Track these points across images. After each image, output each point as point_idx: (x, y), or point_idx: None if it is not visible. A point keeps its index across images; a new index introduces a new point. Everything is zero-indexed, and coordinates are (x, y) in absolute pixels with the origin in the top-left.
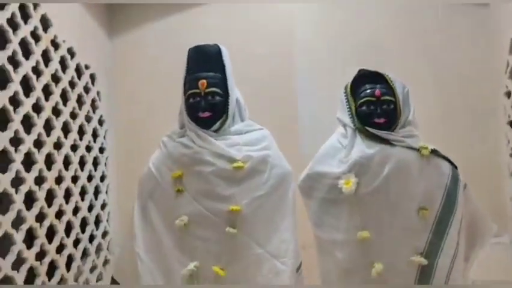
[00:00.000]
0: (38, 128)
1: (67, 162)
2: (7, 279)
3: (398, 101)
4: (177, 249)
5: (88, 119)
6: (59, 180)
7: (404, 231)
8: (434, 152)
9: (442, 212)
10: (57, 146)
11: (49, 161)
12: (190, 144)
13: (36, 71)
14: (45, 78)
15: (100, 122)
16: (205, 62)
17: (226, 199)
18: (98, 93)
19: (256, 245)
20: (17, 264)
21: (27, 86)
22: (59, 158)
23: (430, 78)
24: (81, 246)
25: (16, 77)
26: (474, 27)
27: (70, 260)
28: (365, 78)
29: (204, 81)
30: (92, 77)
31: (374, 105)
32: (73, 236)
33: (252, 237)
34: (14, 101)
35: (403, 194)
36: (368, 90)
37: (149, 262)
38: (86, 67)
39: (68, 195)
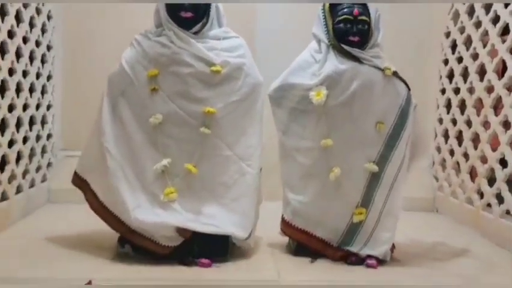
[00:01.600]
0: None
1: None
2: None
3: (372, 22)
4: (150, 146)
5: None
6: (10, 72)
7: (361, 142)
8: (395, 73)
9: (395, 127)
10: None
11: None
12: (168, 43)
13: None
14: None
15: (48, 18)
16: None
17: (201, 101)
18: None
19: (226, 147)
20: None
21: None
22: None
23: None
24: (28, 145)
25: None
26: None
27: (18, 156)
28: None
29: None
30: None
31: (351, 23)
32: (22, 133)
33: (223, 139)
34: None
35: (365, 109)
36: (346, 9)
37: (120, 157)
38: None
39: (18, 89)
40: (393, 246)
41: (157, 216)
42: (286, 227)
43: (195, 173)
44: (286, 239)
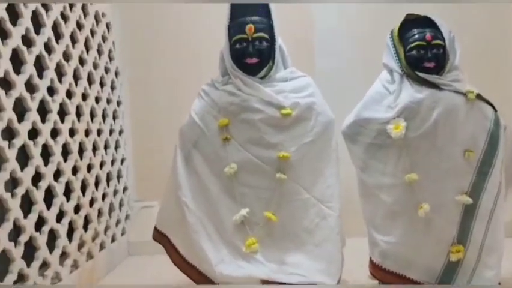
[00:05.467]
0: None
1: (93, 115)
2: (52, 232)
3: (446, 44)
4: (226, 196)
5: (107, 70)
6: (87, 133)
7: (449, 173)
8: (478, 96)
9: (486, 153)
10: (84, 97)
11: (78, 114)
12: (236, 92)
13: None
14: (71, 25)
15: (116, 74)
16: (251, 6)
17: (274, 146)
18: (113, 43)
19: (304, 190)
20: (59, 216)
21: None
22: (86, 110)
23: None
24: (107, 200)
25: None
26: None
27: (99, 214)
28: (412, 23)
29: (252, 26)
30: (108, 26)
31: (424, 49)
32: (100, 190)
33: (300, 182)
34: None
35: (450, 138)
36: (417, 35)
37: (197, 210)
38: (103, 15)
39: (94, 148)
40: (499, 284)
41: (241, 269)
42: (376, 270)
43: (275, 220)
44: (375, 282)
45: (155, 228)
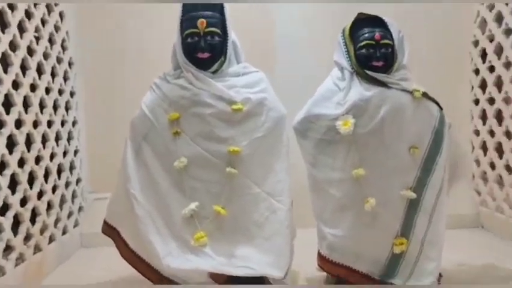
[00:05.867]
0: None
1: (42, 105)
2: None
3: (395, 44)
4: (176, 190)
5: (59, 60)
6: (35, 124)
7: (395, 169)
8: (424, 94)
9: (430, 150)
10: (33, 88)
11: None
12: (188, 85)
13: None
14: (19, 14)
15: (70, 65)
16: (203, 1)
17: (225, 141)
18: (67, 33)
19: (254, 185)
20: (3, 210)
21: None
22: (35, 101)
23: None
24: (58, 193)
25: None
26: None
27: (48, 206)
28: (363, 22)
29: (204, 20)
30: (61, 15)
31: (374, 48)
32: (50, 182)
33: (250, 177)
34: None
35: (397, 135)
36: (367, 34)
37: (146, 203)
38: (56, 4)
39: (44, 140)
40: (440, 275)
41: (189, 262)
42: (324, 262)
43: (224, 214)
44: (324, 274)
45: (105, 222)
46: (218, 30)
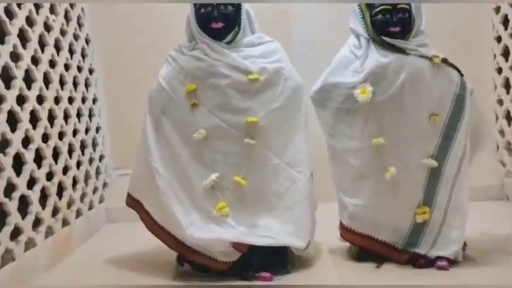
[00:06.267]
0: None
1: (62, 82)
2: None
3: (412, 9)
4: (196, 162)
5: (76, 37)
6: (57, 100)
7: (415, 136)
8: (444, 60)
9: (451, 117)
10: (52, 64)
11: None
12: (203, 57)
13: None
14: None
15: (87, 42)
16: None
17: (243, 111)
18: (82, 9)
19: (274, 156)
20: (30, 183)
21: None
22: (55, 77)
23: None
24: (83, 168)
25: None
26: None
27: (74, 181)
28: None
29: None
30: None
31: (390, 13)
32: (74, 158)
33: (269, 148)
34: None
35: (416, 102)
36: None
37: (168, 175)
38: None
39: (66, 116)
40: (464, 244)
41: (212, 232)
42: (346, 232)
43: (244, 185)
44: (347, 244)
45: (128, 194)
46: None
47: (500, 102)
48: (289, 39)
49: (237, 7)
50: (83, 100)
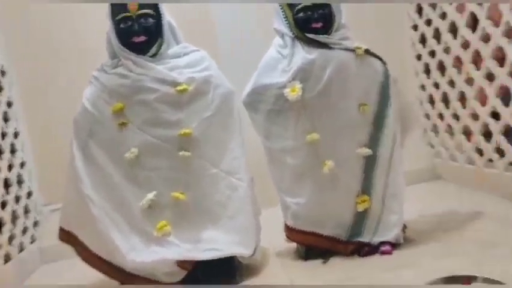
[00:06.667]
0: None
1: None
2: None
3: (331, 5)
4: (130, 183)
5: None
6: None
7: (348, 128)
8: (367, 51)
9: (379, 105)
10: None
11: None
12: (127, 73)
13: None
14: None
15: (2, 73)
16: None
17: (175, 124)
18: None
19: (211, 165)
20: None
21: None
22: None
23: None
24: (8, 208)
25: None
26: None
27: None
28: None
29: (135, 2)
30: None
31: (311, 10)
32: None
33: (205, 158)
34: None
35: (344, 94)
36: None
37: (102, 201)
38: None
39: None
40: (404, 227)
41: (154, 254)
42: (291, 232)
43: (183, 199)
44: (294, 245)
45: (61, 228)
46: (151, 11)
47: (423, 87)
48: (215, 46)
49: (158, 19)
50: (3, 135)
